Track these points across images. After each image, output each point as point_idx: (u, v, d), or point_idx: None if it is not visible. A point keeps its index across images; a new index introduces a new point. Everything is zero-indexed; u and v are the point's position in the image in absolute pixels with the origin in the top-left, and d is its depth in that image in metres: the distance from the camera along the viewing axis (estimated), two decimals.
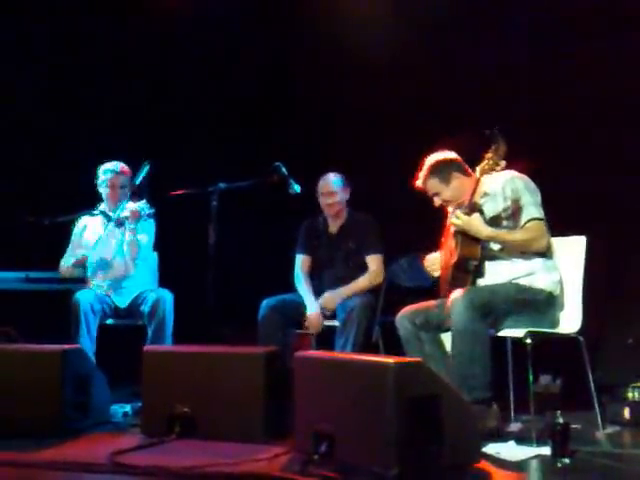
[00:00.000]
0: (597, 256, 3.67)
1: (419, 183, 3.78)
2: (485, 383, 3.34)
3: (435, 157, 3.77)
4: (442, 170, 3.72)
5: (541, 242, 3.56)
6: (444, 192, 3.72)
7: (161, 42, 5.57)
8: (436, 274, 3.80)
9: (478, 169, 3.56)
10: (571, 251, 3.68)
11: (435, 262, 3.80)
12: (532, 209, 3.54)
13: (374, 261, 4.51)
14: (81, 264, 4.56)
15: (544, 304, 3.55)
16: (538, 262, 3.58)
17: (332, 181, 4.56)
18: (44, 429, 3.38)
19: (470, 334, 3.34)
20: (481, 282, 3.64)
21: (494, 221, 3.59)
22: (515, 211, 3.56)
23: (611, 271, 4.24)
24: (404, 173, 4.71)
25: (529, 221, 3.53)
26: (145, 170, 4.37)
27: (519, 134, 3.69)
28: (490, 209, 3.62)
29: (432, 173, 3.73)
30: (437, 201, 3.77)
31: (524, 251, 3.57)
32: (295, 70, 5.46)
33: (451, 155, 3.78)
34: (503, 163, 3.51)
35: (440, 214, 3.88)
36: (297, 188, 4.29)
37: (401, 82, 5.07)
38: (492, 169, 3.51)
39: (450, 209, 3.76)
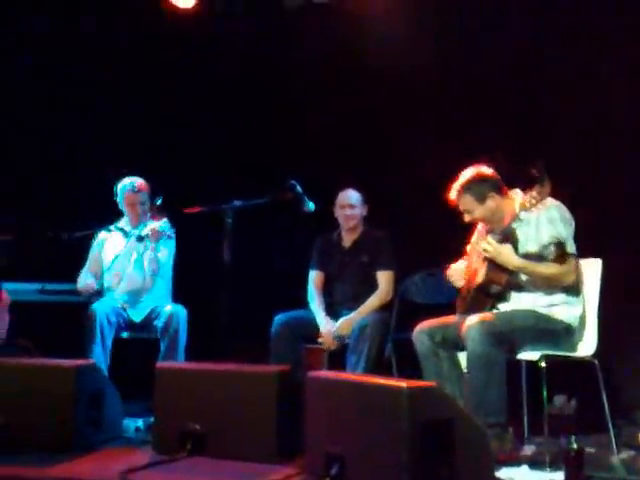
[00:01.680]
0: (613, 279, 3.65)
1: (452, 197, 3.67)
2: (500, 408, 3.32)
3: (472, 172, 3.64)
4: (478, 187, 3.60)
5: (570, 278, 3.50)
6: (477, 211, 3.63)
7: (176, 60, 5.61)
8: (458, 284, 3.75)
9: (518, 203, 3.46)
10: (587, 274, 3.66)
11: (459, 273, 3.75)
12: (570, 243, 3.49)
13: (384, 278, 4.51)
14: (90, 292, 4.57)
15: (562, 334, 3.53)
16: (561, 297, 3.54)
17: (353, 195, 4.61)
18: (56, 444, 3.38)
19: (486, 361, 3.32)
20: (502, 307, 3.61)
21: (525, 252, 3.54)
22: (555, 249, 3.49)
23: (626, 294, 4.21)
24: (419, 190, 4.75)
25: (567, 254, 3.48)
26: (159, 202, 4.46)
27: (535, 154, 3.64)
28: (522, 234, 3.56)
29: (467, 189, 3.61)
30: (467, 218, 3.69)
31: (550, 285, 3.52)
32: (309, 88, 5.46)
33: (489, 172, 3.66)
34: (545, 201, 3.42)
35: (453, 230, 3.88)
36: (311, 206, 4.30)
37: (418, 99, 5.06)
38: (533, 206, 3.41)
39: (480, 226, 3.73)
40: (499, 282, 3.55)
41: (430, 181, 4.75)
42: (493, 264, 3.53)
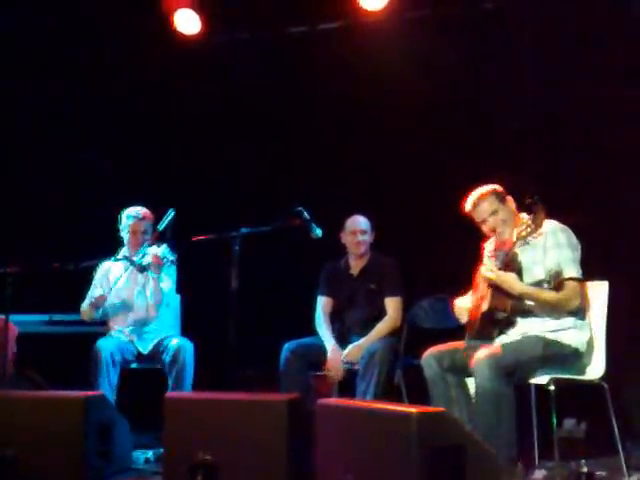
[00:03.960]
0: (619, 301, 3.65)
1: (468, 207, 3.73)
2: (510, 442, 3.30)
3: (487, 186, 3.72)
4: (493, 197, 3.67)
5: (574, 303, 3.50)
6: (500, 213, 3.65)
7: (183, 87, 5.65)
8: (463, 320, 3.76)
9: (515, 232, 3.49)
10: (593, 296, 3.66)
11: (463, 311, 3.75)
12: (571, 267, 3.50)
13: (392, 304, 4.51)
14: (99, 304, 4.55)
15: (570, 359, 3.52)
16: (569, 321, 3.54)
17: (363, 221, 4.62)
18: (66, 477, 3.38)
19: (495, 396, 3.31)
20: (510, 332, 3.61)
21: (532, 277, 3.56)
22: (556, 275, 3.51)
23: (633, 315, 4.21)
24: (426, 216, 4.77)
25: (566, 280, 3.50)
26: (170, 217, 4.39)
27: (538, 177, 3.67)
28: (529, 258, 3.58)
29: (483, 199, 3.68)
30: (486, 227, 3.70)
31: (554, 310, 3.53)
32: (317, 116, 5.50)
33: (501, 188, 3.74)
34: (540, 230, 3.45)
35: (460, 256, 3.89)
36: (319, 232, 4.31)
37: (427, 125, 5.10)
38: (529, 235, 3.44)
39: (486, 256, 3.74)
40: (504, 309, 3.55)
41: (437, 207, 4.79)
42: (497, 290, 3.54)
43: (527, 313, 3.58)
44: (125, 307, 4.62)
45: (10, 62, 5.50)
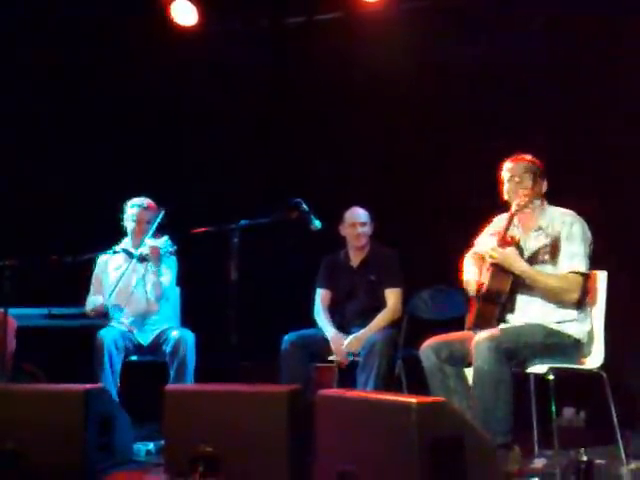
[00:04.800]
0: (619, 290, 3.66)
1: (513, 159, 3.68)
2: (507, 427, 3.31)
3: (533, 158, 3.69)
4: (530, 169, 3.62)
5: (572, 295, 3.50)
6: (523, 183, 3.60)
7: (179, 78, 5.65)
8: (473, 293, 3.69)
9: (514, 204, 3.54)
10: (593, 286, 3.65)
11: (471, 283, 3.70)
12: (580, 261, 3.50)
13: (392, 296, 4.52)
14: (100, 313, 4.58)
15: (570, 349, 3.53)
16: (572, 313, 3.53)
17: (362, 212, 4.62)
18: (67, 470, 3.37)
19: (493, 379, 3.32)
20: (510, 318, 3.61)
21: (534, 256, 3.57)
22: (554, 248, 3.52)
23: (633, 305, 4.22)
24: (425, 207, 4.77)
25: (571, 272, 3.50)
26: (160, 217, 4.44)
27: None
28: (538, 244, 3.58)
29: (521, 162, 3.65)
30: (513, 183, 3.63)
31: (551, 298, 3.52)
32: (315, 107, 5.49)
33: None
34: (539, 200, 3.48)
35: (460, 246, 3.90)
36: (318, 224, 4.31)
37: (424, 115, 5.10)
38: (528, 204, 3.49)
39: (487, 233, 3.75)
40: (504, 289, 3.54)
41: (436, 197, 4.79)
42: (497, 272, 3.54)
43: (527, 293, 3.57)
44: (126, 300, 4.62)
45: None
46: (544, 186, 3.67)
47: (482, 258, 3.68)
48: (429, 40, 5.05)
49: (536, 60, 4.81)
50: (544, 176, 3.66)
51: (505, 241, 3.56)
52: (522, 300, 3.59)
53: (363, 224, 4.60)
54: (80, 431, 3.45)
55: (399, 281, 4.54)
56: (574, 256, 3.50)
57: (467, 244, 3.89)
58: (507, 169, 3.69)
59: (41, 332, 4.94)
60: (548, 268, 3.55)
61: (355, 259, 4.67)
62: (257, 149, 5.61)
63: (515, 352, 3.40)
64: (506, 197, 3.68)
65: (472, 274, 3.73)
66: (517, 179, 3.64)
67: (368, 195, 4.86)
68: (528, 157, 3.69)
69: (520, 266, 3.51)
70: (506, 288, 3.54)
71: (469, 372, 3.60)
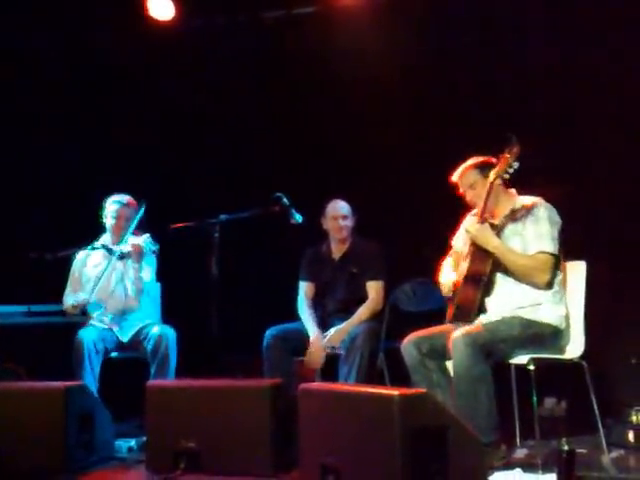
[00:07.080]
0: (599, 280, 3.68)
1: (456, 175, 3.77)
2: (490, 425, 3.31)
3: (475, 158, 3.77)
4: (479, 170, 3.71)
5: (542, 277, 3.53)
6: (478, 187, 3.68)
7: (159, 73, 5.62)
8: (450, 294, 3.73)
9: (492, 172, 3.57)
10: (572, 276, 3.69)
11: (448, 285, 3.74)
12: (547, 241, 3.52)
13: (374, 288, 4.51)
14: (81, 307, 4.53)
15: (549, 338, 3.54)
16: (546, 294, 3.55)
17: (344, 205, 4.61)
18: (47, 469, 3.36)
19: (471, 376, 3.32)
20: (488, 302, 3.62)
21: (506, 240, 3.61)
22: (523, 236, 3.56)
23: (612, 294, 4.24)
24: (407, 200, 4.77)
25: (540, 253, 3.52)
26: (141, 212, 4.42)
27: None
28: (510, 232, 3.62)
29: (474, 167, 3.73)
30: (470, 194, 3.73)
31: (522, 278, 3.55)
32: (294, 101, 5.47)
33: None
34: (516, 165, 3.52)
35: (442, 239, 3.91)
36: (299, 218, 4.32)
37: (406, 109, 5.09)
38: (506, 171, 3.53)
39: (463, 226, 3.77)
40: (484, 270, 3.57)
41: (418, 191, 4.79)
42: (477, 254, 3.57)
43: (503, 276, 3.59)
44: (105, 298, 4.58)
45: None
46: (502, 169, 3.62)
47: (460, 254, 3.73)
48: (410, 33, 5.04)
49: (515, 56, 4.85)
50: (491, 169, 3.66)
51: (483, 219, 3.60)
52: (498, 284, 3.62)
53: (345, 217, 4.59)
54: (61, 428, 3.44)
55: (381, 274, 4.53)
56: (541, 237, 3.52)
57: (450, 237, 3.90)
58: (459, 185, 3.77)
59: (21, 330, 4.89)
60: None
61: (337, 252, 4.66)
62: (238, 143, 5.58)
63: (492, 348, 3.41)
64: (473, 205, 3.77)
65: (448, 275, 3.77)
66: (470, 192, 3.73)
67: (350, 188, 4.85)
68: (469, 162, 3.75)
69: (494, 241, 3.54)
70: (486, 269, 3.57)
71: (450, 365, 3.61)
